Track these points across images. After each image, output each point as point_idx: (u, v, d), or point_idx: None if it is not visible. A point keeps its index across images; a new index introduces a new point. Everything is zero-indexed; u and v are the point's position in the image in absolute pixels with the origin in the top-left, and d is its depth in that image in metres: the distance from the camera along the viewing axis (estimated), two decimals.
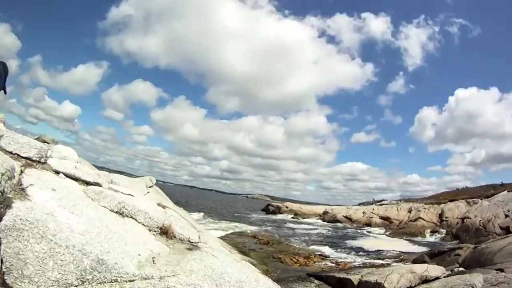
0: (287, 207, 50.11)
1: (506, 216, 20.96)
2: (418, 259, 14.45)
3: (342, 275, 8.23)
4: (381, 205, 49.52)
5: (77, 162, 4.50)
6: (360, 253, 17.51)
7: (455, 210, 31.44)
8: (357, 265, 13.56)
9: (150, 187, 8.91)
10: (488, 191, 41.21)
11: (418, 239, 25.76)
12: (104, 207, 3.19)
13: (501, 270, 9.76)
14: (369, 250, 18.63)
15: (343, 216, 39.40)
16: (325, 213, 44.64)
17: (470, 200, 33.95)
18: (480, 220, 22.74)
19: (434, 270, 7.85)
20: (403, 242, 23.22)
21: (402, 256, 15.78)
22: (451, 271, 9.38)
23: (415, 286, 7.18)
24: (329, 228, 30.99)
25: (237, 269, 2.93)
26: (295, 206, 51.18)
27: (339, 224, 35.99)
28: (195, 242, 3.45)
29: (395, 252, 18.23)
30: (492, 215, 22.41)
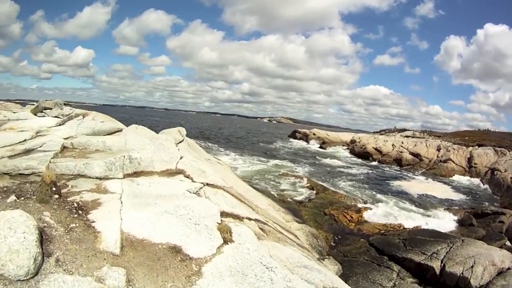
0: (314, 134, 51.23)
1: None
2: (466, 220, 16.91)
3: (421, 258, 8.52)
4: (406, 136, 51.82)
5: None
6: (404, 201, 18.31)
7: (484, 157, 32.39)
8: (411, 228, 13.17)
9: (180, 142, 8.06)
10: None
11: (454, 182, 27.85)
12: None
13: None
14: (412, 196, 19.93)
15: (373, 147, 39.74)
16: (353, 141, 45.09)
17: (498, 148, 34.48)
18: None
19: (506, 258, 8.28)
20: (443, 186, 24.69)
21: (448, 211, 18.24)
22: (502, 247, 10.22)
23: (493, 279, 7.54)
24: (365, 167, 31.75)
25: None
26: (322, 133, 52.14)
27: (373, 163, 36.08)
28: None
29: (437, 199, 19.78)
30: None
